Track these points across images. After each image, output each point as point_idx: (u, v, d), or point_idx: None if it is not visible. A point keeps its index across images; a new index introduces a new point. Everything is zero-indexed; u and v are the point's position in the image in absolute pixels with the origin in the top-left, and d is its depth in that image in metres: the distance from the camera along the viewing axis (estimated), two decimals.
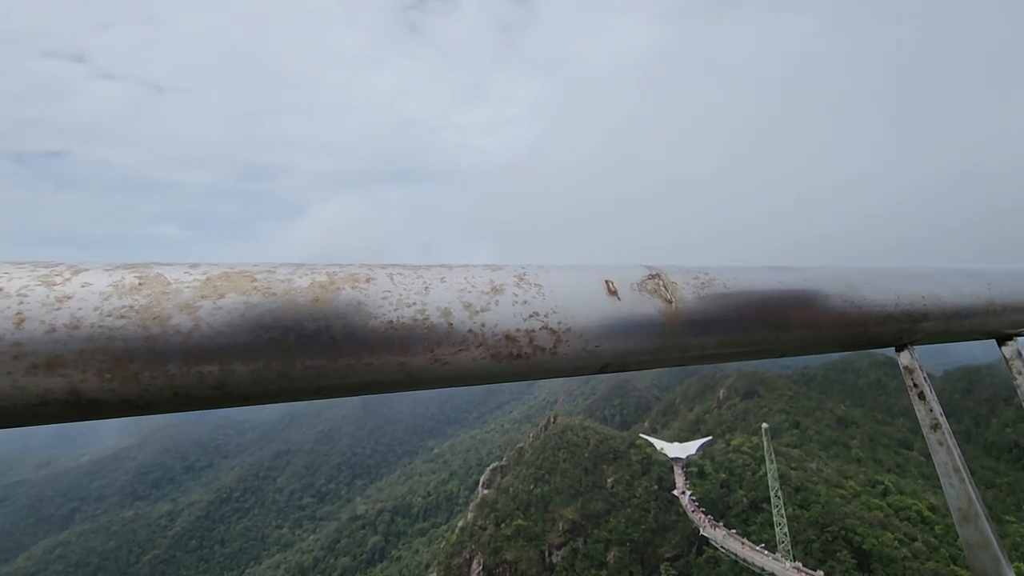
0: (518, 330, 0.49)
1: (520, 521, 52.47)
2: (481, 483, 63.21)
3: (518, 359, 0.50)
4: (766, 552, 42.32)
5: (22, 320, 0.36)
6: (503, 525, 52.63)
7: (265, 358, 0.42)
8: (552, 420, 69.62)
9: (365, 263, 0.50)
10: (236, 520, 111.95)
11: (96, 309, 0.38)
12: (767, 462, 45.50)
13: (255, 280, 0.44)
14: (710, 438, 61.62)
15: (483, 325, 0.48)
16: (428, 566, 61.87)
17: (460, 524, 56.44)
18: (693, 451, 55.75)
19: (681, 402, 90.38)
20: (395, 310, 0.46)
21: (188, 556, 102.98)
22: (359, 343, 0.44)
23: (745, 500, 49.79)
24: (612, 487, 54.98)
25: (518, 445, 70.48)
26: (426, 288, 0.49)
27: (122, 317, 0.38)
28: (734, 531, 46.40)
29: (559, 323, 0.51)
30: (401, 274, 0.49)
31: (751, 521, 48.08)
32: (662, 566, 46.74)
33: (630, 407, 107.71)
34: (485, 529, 53.05)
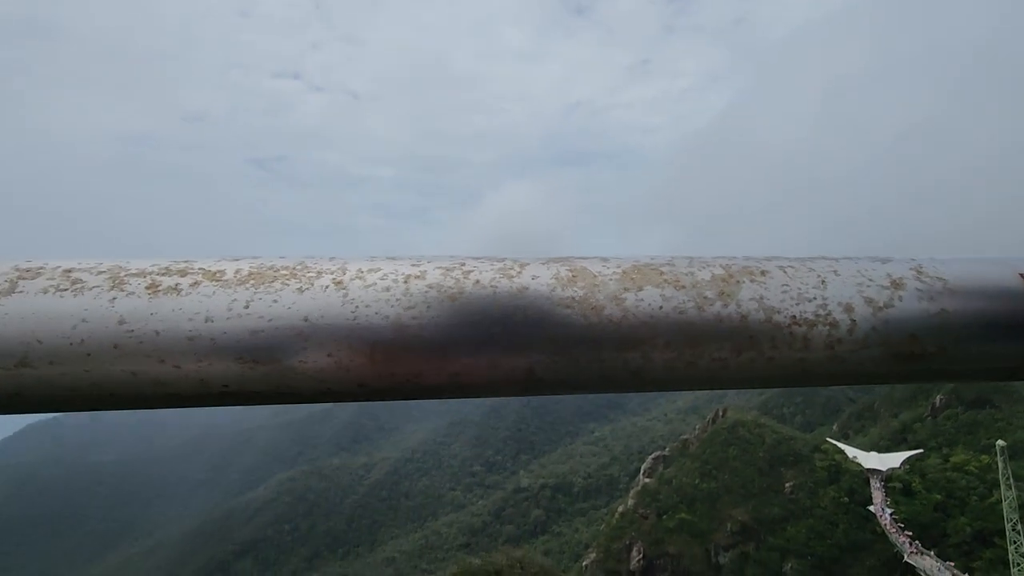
0: (922, 328, 0.47)
1: (684, 515, 50.48)
2: (643, 471, 62.06)
3: (920, 360, 0.48)
4: None
5: (494, 307, 0.47)
6: (665, 517, 51.15)
7: (678, 348, 0.46)
8: (721, 413, 65.21)
9: (764, 257, 0.52)
10: (418, 478, 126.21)
11: (543, 297, 0.47)
12: (1003, 488, 37.10)
13: (663, 274, 0.48)
14: (920, 451, 52.21)
15: (886, 322, 0.47)
16: (588, 546, 62.90)
17: (620, 509, 56.22)
18: (896, 464, 47.81)
19: (883, 406, 77.82)
20: (796, 304, 0.47)
21: (380, 504, 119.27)
22: (763, 337, 0.46)
23: (968, 529, 41.35)
24: (791, 493, 49.87)
25: (682, 436, 67.52)
26: (822, 282, 0.48)
27: (568, 307, 0.46)
28: (951, 563, 38.95)
29: (964, 322, 0.48)
30: (792, 267, 0.50)
31: (976, 555, 39.83)
32: None
33: (815, 407, 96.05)
34: (646, 518, 52.12)
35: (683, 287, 0.47)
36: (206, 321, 0.44)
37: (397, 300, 0.46)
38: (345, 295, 0.46)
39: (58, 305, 0.43)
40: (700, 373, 0.47)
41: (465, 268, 0.49)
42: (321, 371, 0.45)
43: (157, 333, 0.43)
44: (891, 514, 44.46)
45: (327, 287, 0.47)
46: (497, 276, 0.47)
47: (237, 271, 0.48)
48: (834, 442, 55.29)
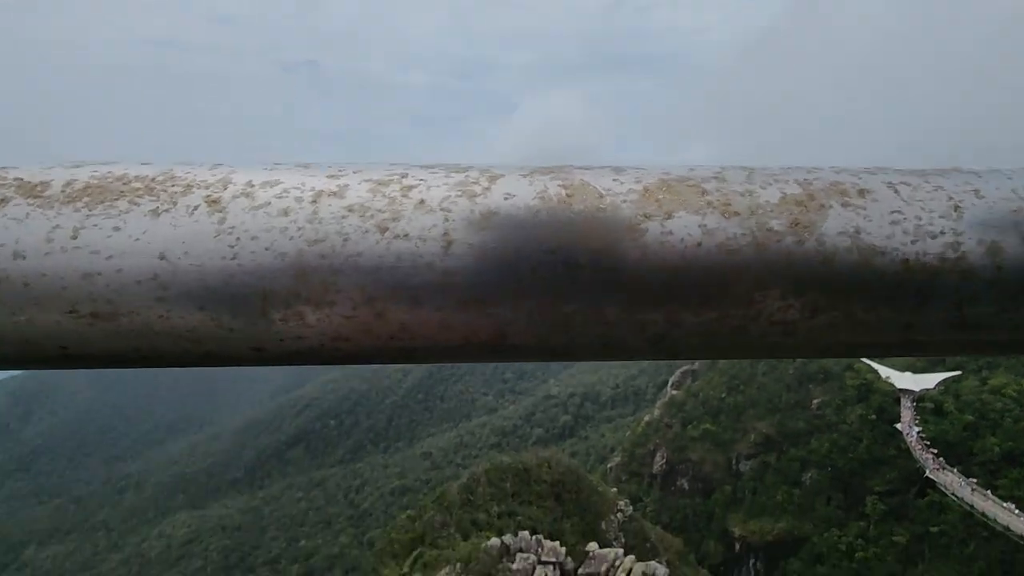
0: None
1: (708, 425, 52.15)
2: (670, 383, 63.64)
3: None
4: (1017, 512, 35.48)
5: (449, 243, 0.32)
6: (689, 426, 52.99)
7: (723, 305, 0.33)
8: None
9: (864, 168, 0.36)
10: (453, 383, 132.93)
11: (519, 227, 0.32)
12: None
13: (705, 193, 0.33)
14: (958, 372, 51.43)
15: None
16: (613, 449, 66.38)
17: (646, 418, 58.46)
18: (930, 385, 47.42)
19: None
20: (912, 241, 0.32)
21: (416, 406, 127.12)
22: (857, 287, 0.32)
23: (997, 449, 41.50)
24: (818, 409, 50.56)
25: None
26: (955, 207, 0.33)
27: (556, 242, 0.32)
28: (974, 480, 39.54)
29: None
30: (908, 184, 0.34)
31: (1002, 474, 40.25)
32: (868, 499, 42.71)
33: None
34: (671, 427, 54.14)
35: (736, 213, 0.33)
36: (15, 257, 0.32)
37: (299, 230, 0.32)
38: (221, 221, 0.33)
39: None
40: (752, 340, 0.34)
41: (406, 182, 0.34)
42: (193, 330, 0.33)
43: None
44: (918, 432, 44.79)
45: (196, 209, 0.33)
46: (453, 195, 0.33)
47: (68, 183, 0.34)
48: (868, 362, 54.94)
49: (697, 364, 66.45)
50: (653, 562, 18.29)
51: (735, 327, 0.33)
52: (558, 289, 0.32)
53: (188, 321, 0.32)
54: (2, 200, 0.32)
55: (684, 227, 0.31)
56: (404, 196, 0.33)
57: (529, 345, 0.34)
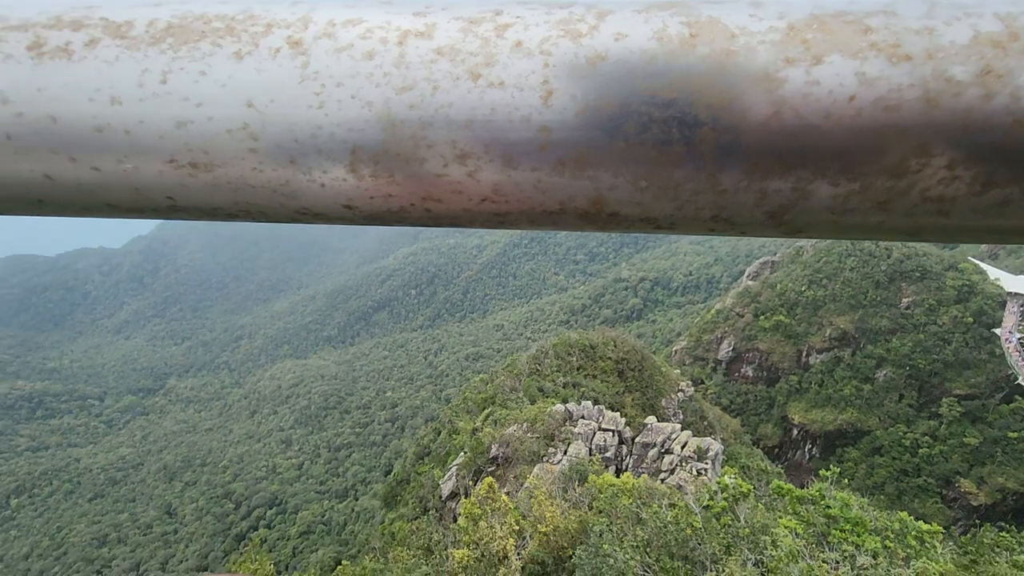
0: None
1: (782, 317, 51.19)
2: (747, 274, 61.82)
3: None
4: None
5: (549, 94, 0.29)
6: (762, 317, 52.27)
7: (870, 175, 0.28)
8: None
9: None
10: (525, 261, 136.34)
11: (630, 76, 0.28)
12: None
13: (869, 31, 0.27)
14: None
15: None
16: (679, 334, 67.35)
17: (717, 306, 58.04)
18: None
19: None
20: None
21: (490, 280, 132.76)
22: None
23: None
24: (907, 308, 47.88)
25: (798, 243, 64.72)
26: None
27: (670, 93, 0.27)
28: None
29: None
30: None
31: None
32: (944, 400, 41.64)
33: None
34: (742, 316, 53.65)
35: (906, 57, 0.26)
36: (112, 103, 0.31)
37: (385, 76, 0.30)
38: (305, 65, 0.31)
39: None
40: (896, 219, 0.29)
41: (500, 20, 0.31)
42: (286, 183, 0.33)
43: (54, 120, 0.31)
44: (1019, 339, 41.82)
45: (278, 52, 0.32)
46: (554, 35, 0.30)
47: (151, 22, 0.33)
48: (976, 261, 50.17)
49: (779, 255, 63.53)
50: (709, 438, 19.49)
51: (878, 203, 0.27)
52: (669, 150, 0.28)
53: (281, 175, 0.32)
54: (92, 41, 0.31)
55: (835, 75, 0.26)
56: (499, 37, 0.30)
57: (631, 214, 0.31)
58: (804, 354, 49.23)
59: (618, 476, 12.23)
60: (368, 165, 0.31)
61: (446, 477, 20.99)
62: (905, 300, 48.39)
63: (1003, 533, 7.83)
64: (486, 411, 24.94)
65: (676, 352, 55.93)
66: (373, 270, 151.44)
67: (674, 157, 0.28)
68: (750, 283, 57.89)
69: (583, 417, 19.91)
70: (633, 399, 29.92)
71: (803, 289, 52.86)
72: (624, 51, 0.28)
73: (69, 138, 0.31)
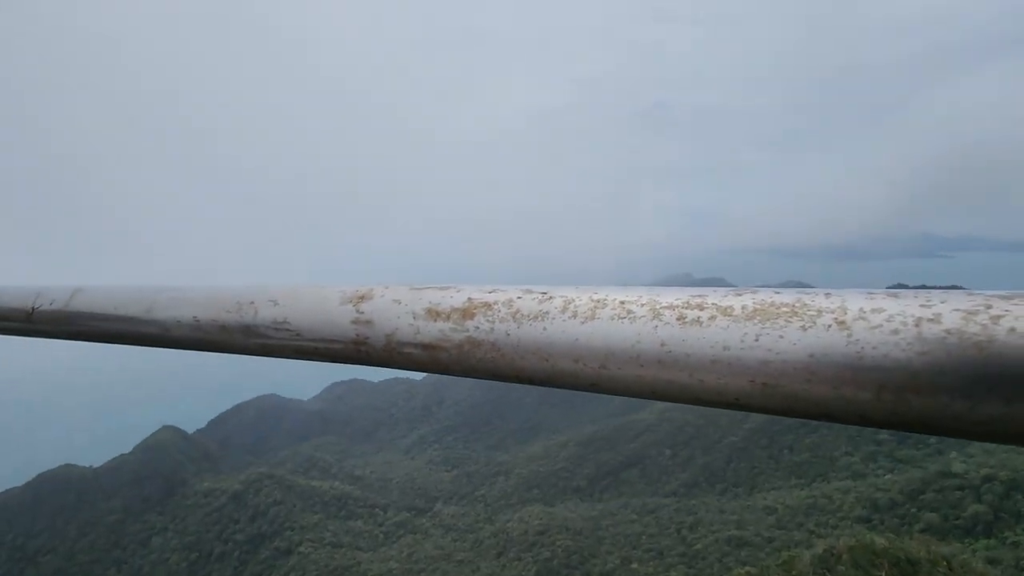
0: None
1: None
2: None
3: None
4: None
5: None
6: None
7: None
8: None
9: None
10: (805, 434, 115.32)
11: None
12: None
13: None
14: None
15: None
16: None
17: None
18: None
19: None
20: None
21: (759, 451, 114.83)
22: None
23: None
24: None
25: None
26: None
27: None
28: None
29: None
30: None
31: None
32: None
33: None
34: None
35: None
36: (724, 349, 0.50)
37: (909, 344, 0.45)
38: (849, 335, 0.47)
39: (623, 328, 0.52)
40: None
41: (992, 312, 0.43)
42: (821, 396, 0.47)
43: (687, 355, 0.50)
44: None
45: (830, 327, 0.48)
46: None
47: (744, 307, 0.51)
48: None
49: None
50: None
51: None
52: None
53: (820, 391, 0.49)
54: (712, 317, 0.52)
55: None
56: (994, 324, 0.40)
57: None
58: None
59: None
60: (888, 392, 0.45)
61: None
62: None
63: None
64: None
65: None
66: (626, 423, 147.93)
67: None
68: None
69: None
70: None
71: None
72: None
73: (695, 364, 0.50)
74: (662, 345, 0.51)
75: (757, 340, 0.49)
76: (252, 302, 0.58)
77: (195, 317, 0.62)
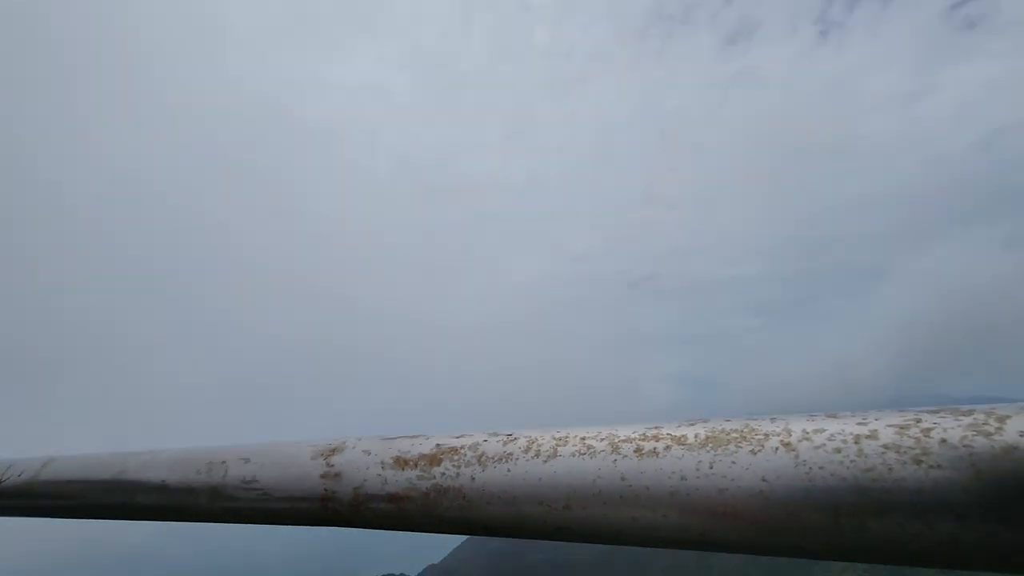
0: None
1: None
2: None
3: None
4: None
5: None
6: None
7: None
8: None
9: None
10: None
11: None
12: None
13: None
14: None
15: None
16: None
17: None
18: None
19: None
20: None
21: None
22: None
23: None
24: None
25: None
26: None
27: None
28: None
29: None
30: None
31: None
32: None
33: None
34: None
35: None
36: (681, 479, 0.51)
37: (852, 461, 0.47)
38: (796, 457, 0.49)
39: (584, 465, 0.53)
40: None
41: (923, 425, 0.45)
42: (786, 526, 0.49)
43: (647, 488, 0.51)
44: None
45: (777, 449, 0.50)
46: (969, 434, 0.41)
47: (696, 435, 0.52)
48: None
49: None
50: None
51: None
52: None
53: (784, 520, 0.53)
54: (668, 447, 0.52)
55: None
56: (926, 436, 0.41)
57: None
58: None
59: None
60: (844, 516, 0.47)
61: None
62: None
63: None
64: None
65: None
66: None
67: None
68: None
69: None
70: None
71: None
72: None
73: (655, 497, 0.51)
74: (622, 479, 0.51)
75: (711, 468, 0.51)
76: (223, 461, 0.56)
77: (163, 481, 0.57)
